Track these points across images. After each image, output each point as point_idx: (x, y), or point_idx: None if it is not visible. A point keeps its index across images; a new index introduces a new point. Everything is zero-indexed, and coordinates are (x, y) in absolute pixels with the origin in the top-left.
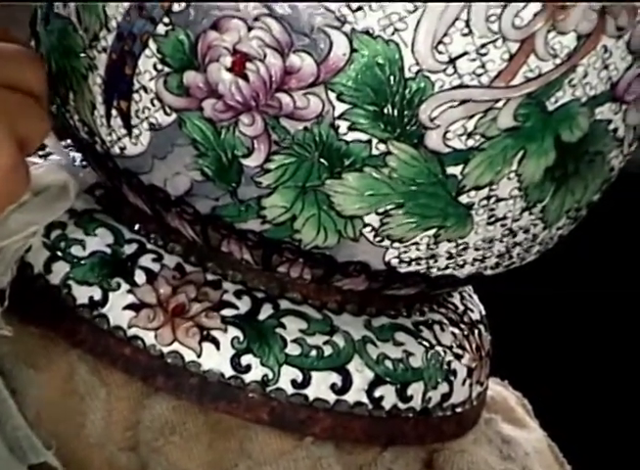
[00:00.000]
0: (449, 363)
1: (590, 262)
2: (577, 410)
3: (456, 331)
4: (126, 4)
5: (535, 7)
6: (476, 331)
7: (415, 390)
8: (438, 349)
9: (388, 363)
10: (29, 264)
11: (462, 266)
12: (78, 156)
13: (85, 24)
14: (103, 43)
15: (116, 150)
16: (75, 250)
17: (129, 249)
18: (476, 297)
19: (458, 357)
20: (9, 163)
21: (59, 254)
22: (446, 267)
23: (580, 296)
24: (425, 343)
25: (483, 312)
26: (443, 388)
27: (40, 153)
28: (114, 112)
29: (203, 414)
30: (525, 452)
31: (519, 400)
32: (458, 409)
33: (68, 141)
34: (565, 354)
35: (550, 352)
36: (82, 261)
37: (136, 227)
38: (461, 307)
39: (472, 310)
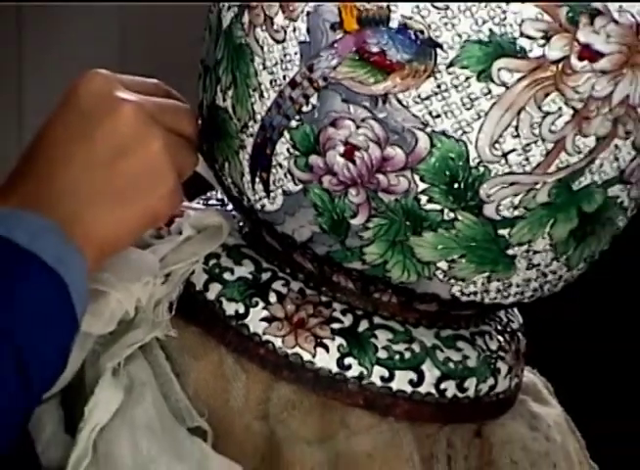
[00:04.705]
0: (495, 363)
1: None
2: (589, 391)
3: (501, 338)
4: (268, 103)
5: (566, 118)
6: (515, 338)
7: (470, 383)
8: (488, 353)
9: (451, 364)
10: (192, 283)
11: (507, 297)
12: (230, 206)
13: (238, 115)
14: (250, 130)
15: (258, 206)
16: (226, 275)
17: (265, 276)
18: (516, 309)
19: (502, 359)
20: (173, 186)
21: (214, 277)
22: (495, 298)
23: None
24: (478, 349)
25: (521, 321)
26: (490, 381)
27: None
28: (257, 180)
29: (315, 395)
30: (547, 424)
31: (544, 384)
32: (501, 396)
33: (208, 194)
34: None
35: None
36: (231, 284)
37: (270, 259)
38: (504, 319)
39: (512, 321)
